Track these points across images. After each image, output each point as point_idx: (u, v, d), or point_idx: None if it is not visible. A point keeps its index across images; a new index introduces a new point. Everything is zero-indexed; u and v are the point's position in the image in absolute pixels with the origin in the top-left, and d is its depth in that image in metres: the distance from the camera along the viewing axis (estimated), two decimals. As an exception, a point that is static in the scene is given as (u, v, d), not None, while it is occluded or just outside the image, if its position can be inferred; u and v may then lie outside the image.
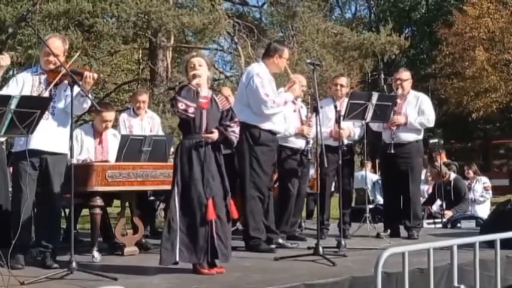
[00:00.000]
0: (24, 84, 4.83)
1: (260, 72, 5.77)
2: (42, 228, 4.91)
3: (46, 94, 4.80)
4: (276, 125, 5.88)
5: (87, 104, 4.89)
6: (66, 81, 4.74)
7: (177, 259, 4.41)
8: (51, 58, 4.82)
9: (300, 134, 6.40)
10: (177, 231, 4.42)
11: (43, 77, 4.89)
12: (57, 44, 4.91)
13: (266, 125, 5.72)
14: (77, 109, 4.77)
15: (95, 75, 4.85)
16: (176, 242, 4.41)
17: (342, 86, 6.83)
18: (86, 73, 4.80)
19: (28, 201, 4.71)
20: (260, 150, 5.72)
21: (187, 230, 4.44)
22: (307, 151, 6.44)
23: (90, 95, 4.85)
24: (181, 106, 4.44)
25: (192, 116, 4.49)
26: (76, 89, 4.65)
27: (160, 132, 7.27)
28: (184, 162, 4.51)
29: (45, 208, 4.91)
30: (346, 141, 6.67)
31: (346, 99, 6.57)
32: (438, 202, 9.51)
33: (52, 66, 4.85)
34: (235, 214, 4.63)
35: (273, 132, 5.86)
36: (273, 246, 5.72)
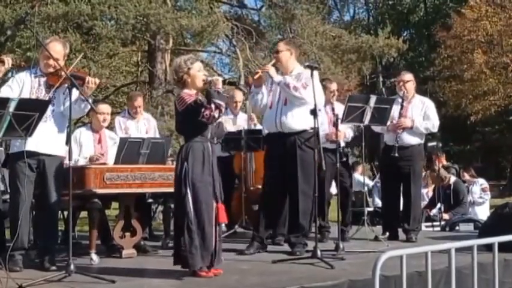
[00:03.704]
0: (24, 84, 4.83)
1: None
2: (40, 230, 4.90)
3: (46, 98, 4.80)
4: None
5: (86, 108, 4.90)
6: (65, 85, 4.75)
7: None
8: (51, 62, 4.82)
9: None
10: (197, 234, 4.43)
11: (42, 79, 4.89)
12: (57, 48, 4.91)
13: None
14: (76, 113, 4.78)
15: (97, 80, 4.85)
16: (198, 245, 4.43)
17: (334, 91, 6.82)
18: (88, 78, 4.80)
19: (26, 203, 4.70)
20: None
21: (201, 233, 4.45)
22: None
23: (89, 99, 4.85)
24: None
25: None
26: (75, 92, 4.66)
27: (157, 135, 7.24)
28: (195, 164, 4.49)
29: (43, 210, 4.91)
30: (342, 143, 6.67)
31: (336, 103, 6.73)
32: (438, 206, 9.50)
33: (52, 70, 4.85)
34: (223, 219, 4.64)
35: None
36: None
